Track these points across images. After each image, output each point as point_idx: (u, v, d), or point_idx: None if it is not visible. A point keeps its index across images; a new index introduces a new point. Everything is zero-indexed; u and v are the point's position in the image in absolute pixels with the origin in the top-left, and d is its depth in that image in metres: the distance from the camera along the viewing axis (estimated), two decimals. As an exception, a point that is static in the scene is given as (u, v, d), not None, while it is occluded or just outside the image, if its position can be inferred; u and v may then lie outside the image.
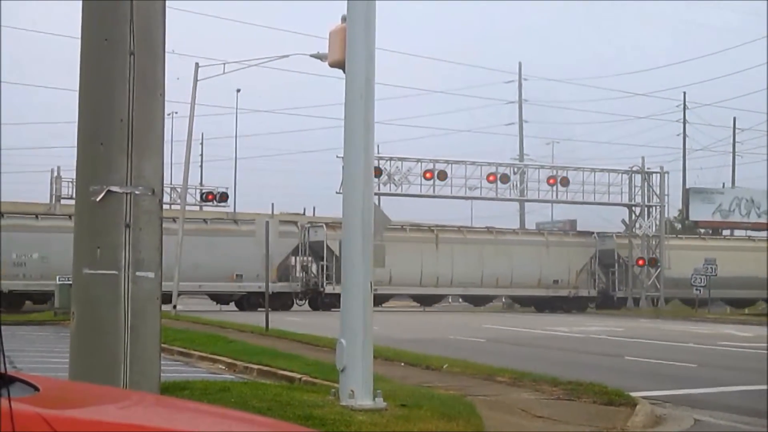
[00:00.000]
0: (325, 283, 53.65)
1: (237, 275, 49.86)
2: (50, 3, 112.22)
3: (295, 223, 55.65)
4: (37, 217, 48.66)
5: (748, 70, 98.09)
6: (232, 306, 52.69)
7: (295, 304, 53.58)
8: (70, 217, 51.06)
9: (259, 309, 50.61)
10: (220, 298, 54.07)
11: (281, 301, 51.60)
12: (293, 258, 53.85)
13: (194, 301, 55.19)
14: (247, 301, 51.59)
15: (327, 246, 53.16)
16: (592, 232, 61.75)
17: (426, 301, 59.48)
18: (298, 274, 54.02)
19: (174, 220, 47.58)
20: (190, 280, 46.91)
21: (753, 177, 78.83)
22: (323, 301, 53.64)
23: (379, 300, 56.45)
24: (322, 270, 53.89)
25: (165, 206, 9.22)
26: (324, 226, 54.68)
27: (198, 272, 47.40)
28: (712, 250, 58.27)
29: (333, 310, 52.53)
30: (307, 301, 55.04)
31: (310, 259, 54.93)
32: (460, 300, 65.69)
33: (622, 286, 59.93)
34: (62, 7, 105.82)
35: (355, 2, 12.41)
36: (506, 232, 60.64)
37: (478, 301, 59.95)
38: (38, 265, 46.32)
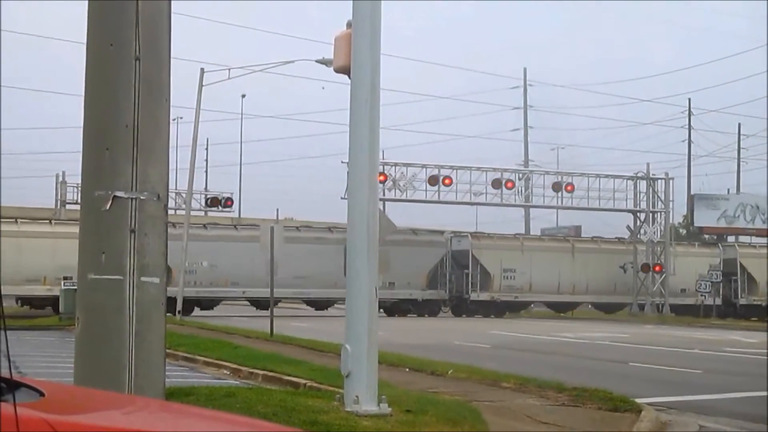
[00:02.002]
0: (470, 291, 55.06)
1: (389, 283, 50.21)
2: (54, 5, 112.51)
3: (442, 233, 57.45)
4: (205, 226, 49.35)
5: (753, 77, 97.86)
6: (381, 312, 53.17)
7: (441, 311, 55.12)
8: (235, 227, 52.66)
9: (409, 315, 52.51)
10: None
11: (429, 308, 53.89)
12: (439, 267, 54.94)
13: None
14: (397, 308, 52.72)
15: (472, 255, 55.03)
16: (717, 243, 62.66)
17: (561, 308, 60.03)
18: (446, 283, 55.13)
19: (330, 229, 49.25)
20: (343, 287, 47.51)
21: (758, 183, 78.99)
22: (468, 308, 55.22)
23: (517, 307, 57.21)
24: (467, 278, 55.30)
25: (169, 211, 9.23)
26: (468, 235, 57.05)
27: None
28: None
29: (476, 317, 53.85)
30: (450, 309, 56.50)
31: (454, 267, 56.16)
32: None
33: (744, 294, 59.96)
34: (67, 8, 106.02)
35: (360, 7, 12.41)
36: (637, 243, 61.08)
37: (610, 309, 60.33)
38: (207, 273, 48.07)
